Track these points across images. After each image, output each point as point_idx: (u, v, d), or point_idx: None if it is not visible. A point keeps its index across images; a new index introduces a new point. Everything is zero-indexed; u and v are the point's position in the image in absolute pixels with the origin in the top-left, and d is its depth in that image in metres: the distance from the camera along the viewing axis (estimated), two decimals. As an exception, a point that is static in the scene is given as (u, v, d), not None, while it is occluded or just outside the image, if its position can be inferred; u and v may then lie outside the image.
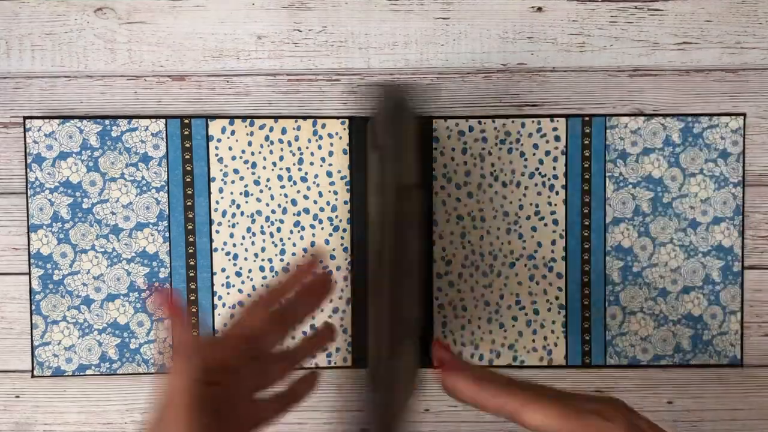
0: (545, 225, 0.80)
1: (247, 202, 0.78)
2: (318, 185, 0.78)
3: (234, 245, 0.78)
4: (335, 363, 0.79)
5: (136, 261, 0.78)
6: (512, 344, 0.81)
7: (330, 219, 0.78)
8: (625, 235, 0.80)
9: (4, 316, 0.80)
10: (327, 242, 0.78)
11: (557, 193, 0.80)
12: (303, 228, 0.78)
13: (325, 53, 0.80)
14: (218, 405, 0.51)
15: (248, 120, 0.78)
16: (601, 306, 0.81)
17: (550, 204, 0.80)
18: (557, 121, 0.80)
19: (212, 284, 0.78)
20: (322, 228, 0.78)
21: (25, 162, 0.77)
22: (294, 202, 0.78)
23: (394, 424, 0.55)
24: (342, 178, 0.79)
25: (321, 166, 0.78)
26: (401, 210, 0.59)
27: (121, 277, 0.78)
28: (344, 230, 0.78)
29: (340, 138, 0.78)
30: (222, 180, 0.78)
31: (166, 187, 0.78)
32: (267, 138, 0.78)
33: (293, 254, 0.78)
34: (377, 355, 0.57)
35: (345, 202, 0.79)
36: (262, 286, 0.78)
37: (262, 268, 0.78)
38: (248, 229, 0.78)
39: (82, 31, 0.79)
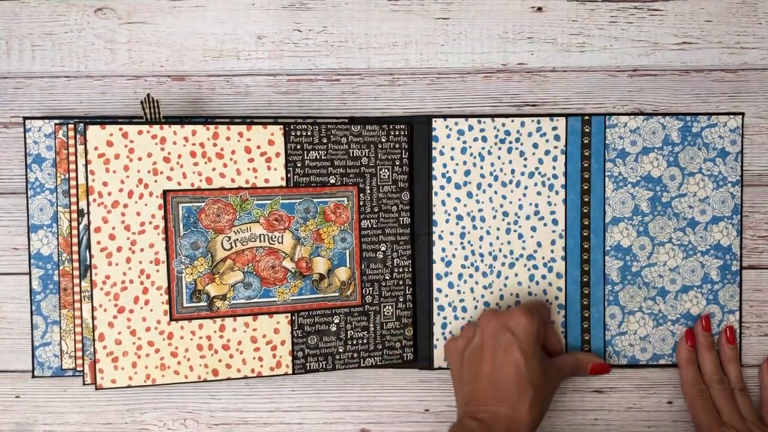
0: (545, 225, 0.80)
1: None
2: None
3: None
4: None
5: None
6: (512, 344, 0.81)
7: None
8: (625, 234, 0.80)
9: (4, 316, 0.80)
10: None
11: (557, 192, 0.80)
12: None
13: (325, 53, 0.80)
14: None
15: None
16: (601, 306, 0.81)
17: (549, 204, 0.80)
18: (557, 120, 0.80)
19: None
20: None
21: (25, 162, 0.77)
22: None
23: None
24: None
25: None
26: None
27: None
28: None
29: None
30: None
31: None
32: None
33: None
34: None
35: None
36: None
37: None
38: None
39: (82, 31, 0.79)
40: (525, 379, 0.71)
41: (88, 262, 0.73)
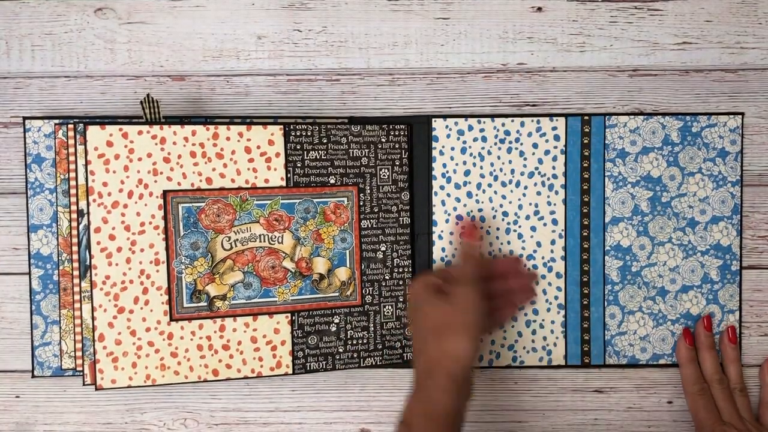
0: (544, 225, 0.80)
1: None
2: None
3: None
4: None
5: None
6: (512, 344, 0.81)
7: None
8: (624, 234, 0.80)
9: (4, 316, 0.80)
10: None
11: (556, 192, 0.80)
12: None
13: (325, 53, 0.80)
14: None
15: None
16: (600, 305, 0.81)
17: (549, 203, 0.80)
18: (556, 120, 0.80)
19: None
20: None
21: (25, 162, 0.77)
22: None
23: None
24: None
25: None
26: None
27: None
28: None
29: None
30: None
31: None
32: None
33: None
34: None
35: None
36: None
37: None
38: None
39: (82, 31, 0.79)
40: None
41: (87, 263, 0.73)
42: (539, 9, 0.80)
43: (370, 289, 0.79)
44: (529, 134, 0.80)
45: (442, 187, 0.80)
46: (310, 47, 0.80)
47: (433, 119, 0.80)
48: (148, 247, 0.74)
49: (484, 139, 0.80)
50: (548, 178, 0.80)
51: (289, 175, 0.76)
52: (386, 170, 0.78)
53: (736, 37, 0.80)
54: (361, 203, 0.78)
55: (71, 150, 0.74)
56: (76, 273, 0.75)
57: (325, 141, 0.77)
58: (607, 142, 0.80)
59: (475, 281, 0.73)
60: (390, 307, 0.79)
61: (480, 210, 0.80)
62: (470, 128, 0.80)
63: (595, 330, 0.81)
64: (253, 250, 0.76)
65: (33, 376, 0.78)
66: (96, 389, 0.73)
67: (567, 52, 0.80)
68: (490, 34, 0.80)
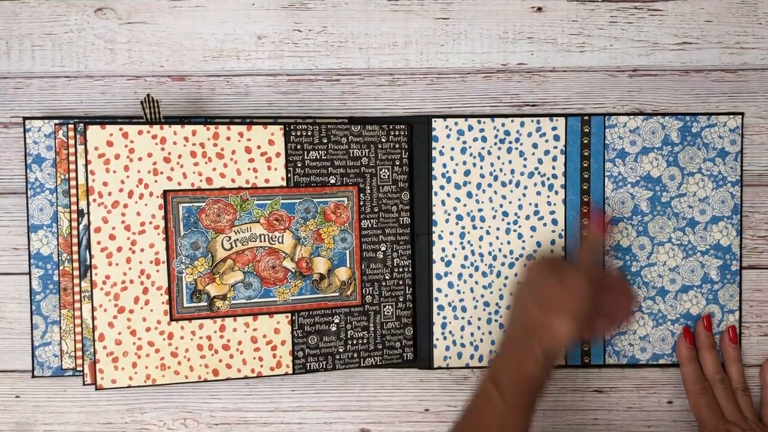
0: (544, 225, 0.80)
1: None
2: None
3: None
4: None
5: None
6: (512, 344, 0.81)
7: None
8: (624, 234, 0.80)
9: (4, 316, 0.80)
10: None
11: (556, 192, 0.80)
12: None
13: (325, 53, 0.80)
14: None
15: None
16: (601, 305, 0.81)
17: (549, 203, 0.80)
18: (556, 120, 0.80)
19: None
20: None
21: (25, 162, 0.77)
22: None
23: None
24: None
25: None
26: None
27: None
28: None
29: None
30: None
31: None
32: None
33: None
34: None
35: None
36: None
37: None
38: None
39: (82, 31, 0.79)
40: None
41: (88, 263, 0.73)
42: (539, 9, 0.80)
43: (370, 289, 0.79)
44: (529, 134, 0.80)
45: (442, 187, 0.80)
46: (310, 47, 0.80)
47: (433, 119, 0.80)
48: (148, 247, 0.74)
49: (484, 139, 0.80)
50: (548, 178, 0.80)
51: (289, 175, 0.76)
52: (386, 170, 0.78)
53: (736, 37, 0.80)
54: (362, 203, 0.78)
55: (71, 150, 0.74)
56: (76, 273, 0.75)
57: (325, 141, 0.77)
58: (606, 142, 0.80)
59: (590, 270, 0.76)
60: (390, 307, 0.79)
61: (480, 210, 0.80)
62: (470, 128, 0.80)
63: (595, 330, 0.81)
64: (254, 250, 0.76)
65: (33, 376, 0.78)
66: (96, 389, 0.73)
67: (567, 52, 0.80)
68: (490, 34, 0.80)
